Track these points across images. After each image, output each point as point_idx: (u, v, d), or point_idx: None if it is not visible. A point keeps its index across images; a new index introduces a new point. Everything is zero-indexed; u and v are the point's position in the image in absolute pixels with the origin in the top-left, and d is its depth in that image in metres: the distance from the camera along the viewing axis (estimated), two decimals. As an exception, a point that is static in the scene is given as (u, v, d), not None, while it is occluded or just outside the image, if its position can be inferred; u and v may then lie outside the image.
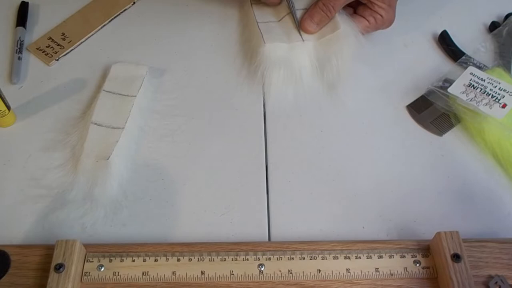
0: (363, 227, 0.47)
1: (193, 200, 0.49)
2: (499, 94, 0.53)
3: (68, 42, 0.62)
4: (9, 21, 0.64)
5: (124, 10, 0.66)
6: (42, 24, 0.65)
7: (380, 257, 0.43)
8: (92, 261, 0.42)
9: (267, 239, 0.47)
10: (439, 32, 0.62)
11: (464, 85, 0.54)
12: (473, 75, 0.55)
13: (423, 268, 0.42)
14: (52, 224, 0.47)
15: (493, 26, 0.63)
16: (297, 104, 0.56)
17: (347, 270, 0.42)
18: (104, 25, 0.64)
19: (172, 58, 0.61)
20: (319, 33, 0.58)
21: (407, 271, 0.42)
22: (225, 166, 0.52)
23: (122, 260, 0.43)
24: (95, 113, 0.53)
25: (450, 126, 0.55)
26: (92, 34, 0.63)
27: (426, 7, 0.66)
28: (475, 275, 0.41)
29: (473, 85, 0.54)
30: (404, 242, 0.44)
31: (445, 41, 0.61)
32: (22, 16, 0.64)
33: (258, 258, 0.43)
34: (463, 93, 0.54)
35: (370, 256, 0.43)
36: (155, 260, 0.43)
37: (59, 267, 0.40)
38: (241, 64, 0.60)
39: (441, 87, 0.55)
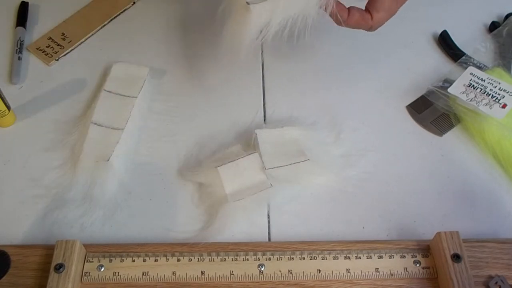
0: (363, 227, 0.47)
1: (193, 200, 0.49)
2: (499, 94, 0.53)
3: (68, 42, 0.62)
4: (9, 21, 0.64)
5: (124, 10, 0.66)
6: (42, 24, 0.64)
7: (380, 257, 0.43)
8: (92, 261, 0.42)
9: (267, 239, 0.46)
10: (439, 32, 0.62)
11: (464, 85, 0.54)
12: (473, 75, 0.55)
13: (423, 268, 0.42)
14: (52, 224, 0.47)
15: (493, 26, 0.63)
16: (297, 103, 0.57)
17: (347, 270, 0.42)
18: (104, 25, 0.64)
19: (172, 58, 0.61)
20: None
21: (407, 271, 0.42)
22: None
23: (122, 260, 0.43)
24: (95, 113, 0.52)
25: (450, 126, 0.55)
26: (92, 34, 0.63)
27: (426, 7, 0.66)
28: (475, 275, 0.41)
29: (473, 85, 0.54)
30: (404, 242, 0.44)
31: (445, 41, 0.61)
32: (22, 16, 0.64)
33: (258, 258, 0.43)
34: (463, 93, 0.54)
35: (370, 256, 0.43)
36: (155, 260, 0.43)
37: (59, 267, 0.40)
38: (242, 65, 0.60)
39: (441, 87, 0.55)
